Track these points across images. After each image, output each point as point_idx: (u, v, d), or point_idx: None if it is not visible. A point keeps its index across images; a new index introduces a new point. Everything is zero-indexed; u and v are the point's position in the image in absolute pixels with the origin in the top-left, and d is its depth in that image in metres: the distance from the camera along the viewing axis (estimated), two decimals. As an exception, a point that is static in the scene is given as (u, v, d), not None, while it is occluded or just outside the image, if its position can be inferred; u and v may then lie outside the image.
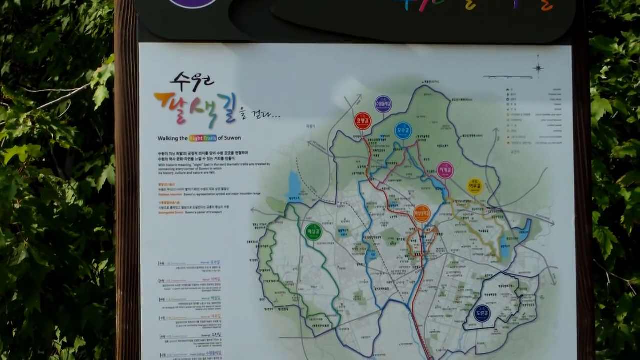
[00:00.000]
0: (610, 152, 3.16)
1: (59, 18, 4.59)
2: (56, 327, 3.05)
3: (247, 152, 1.85)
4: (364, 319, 1.86)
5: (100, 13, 4.22)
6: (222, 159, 1.84)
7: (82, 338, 3.37)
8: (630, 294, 3.01)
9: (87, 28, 4.33)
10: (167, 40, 1.84)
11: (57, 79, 4.43)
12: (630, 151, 3.03)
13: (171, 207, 1.83)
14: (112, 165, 3.89)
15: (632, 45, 3.49)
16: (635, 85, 3.35)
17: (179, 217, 1.83)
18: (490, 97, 1.91)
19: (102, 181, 3.85)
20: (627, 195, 2.97)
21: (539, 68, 1.92)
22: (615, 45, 3.37)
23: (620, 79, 3.35)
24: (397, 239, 1.88)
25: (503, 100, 1.91)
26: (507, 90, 1.91)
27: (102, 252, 3.79)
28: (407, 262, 1.87)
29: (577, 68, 1.92)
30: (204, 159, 1.84)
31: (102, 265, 3.58)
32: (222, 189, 1.84)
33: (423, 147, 1.89)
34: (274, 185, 1.85)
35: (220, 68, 1.85)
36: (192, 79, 1.85)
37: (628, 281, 3.05)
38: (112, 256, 3.50)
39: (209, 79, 1.85)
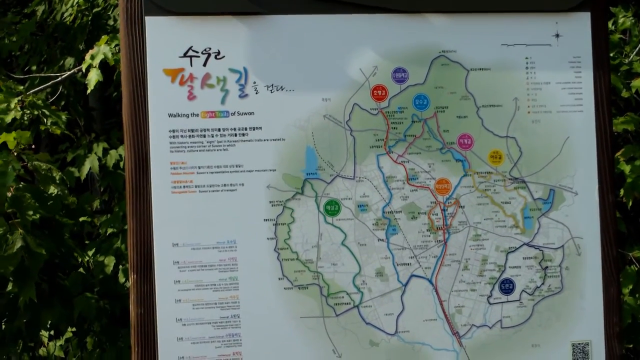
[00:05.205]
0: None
1: (34, 8, 4.47)
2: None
3: (261, 128, 1.79)
4: (386, 295, 1.82)
5: (77, 0, 4.12)
6: (236, 135, 1.78)
7: (74, 329, 3.29)
8: (632, 267, 3.00)
9: (64, 15, 4.23)
10: (175, 14, 1.77)
11: (34, 68, 4.32)
12: (628, 125, 3.02)
13: (184, 187, 1.76)
14: (95, 154, 3.80)
15: (621, 20, 3.49)
16: (627, 60, 3.34)
17: (192, 196, 1.77)
18: (509, 66, 1.87)
19: (85, 170, 3.76)
20: (626, 168, 2.96)
21: (557, 35, 1.88)
22: (605, 20, 3.36)
23: (612, 54, 3.34)
24: (418, 213, 1.83)
25: (522, 69, 1.87)
26: (526, 58, 1.87)
27: (87, 242, 3.71)
28: (429, 236, 1.83)
29: (596, 34, 1.89)
30: (217, 135, 1.78)
31: (90, 255, 3.50)
32: (236, 166, 1.78)
33: (442, 118, 1.85)
34: (289, 161, 1.80)
35: (230, 41, 1.79)
36: (202, 53, 1.78)
37: (630, 254, 3.04)
38: (99, 245, 3.42)
39: (219, 52, 1.78)
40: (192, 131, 1.77)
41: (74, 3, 4.16)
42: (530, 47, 1.87)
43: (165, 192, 1.76)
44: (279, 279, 1.79)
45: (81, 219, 3.36)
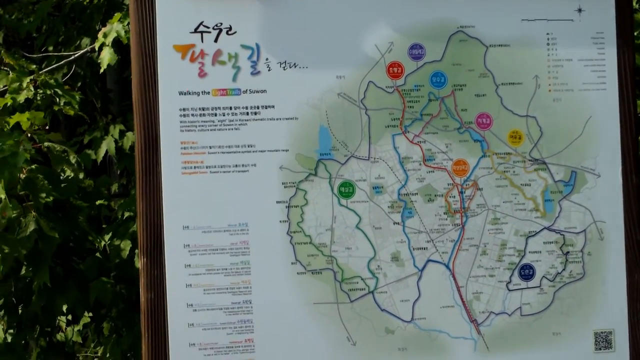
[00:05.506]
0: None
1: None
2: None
3: (273, 106, 1.74)
4: (402, 281, 1.77)
5: (92, -22, 4.09)
6: (247, 113, 1.73)
7: (90, 314, 3.26)
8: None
9: (80, -6, 4.20)
10: (185, -11, 1.72)
11: (51, 48, 4.29)
12: (654, 105, 2.94)
13: (194, 167, 1.72)
14: (112, 136, 3.77)
15: (646, -1, 3.41)
16: (651, 40, 3.26)
17: (203, 177, 1.72)
18: (529, 42, 1.80)
19: (101, 152, 3.74)
20: (651, 150, 2.88)
21: (580, 10, 1.81)
22: (629, -1, 3.26)
23: (635, 34, 3.25)
24: (435, 195, 1.78)
25: (543, 45, 1.80)
26: (547, 34, 1.80)
27: (104, 226, 3.68)
28: (446, 219, 1.78)
29: (620, 9, 1.82)
30: (228, 114, 1.73)
31: (106, 239, 3.47)
32: (248, 146, 1.73)
33: (459, 96, 1.79)
34: (303, 141, 1.75)
35: (242, 17, 1.74)
36: (213, 28, 1.73)
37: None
38: (116, 229, 3.39)
39: (230, 28, 1.73)
40: (203, 109, 1.73)
41: (90, -18, 4.13)
42: (552, 23, 1.80)
43: (176, 172, 1.72)
44: (292, 263, 1.74)
45: (98, 202, 3.33)
